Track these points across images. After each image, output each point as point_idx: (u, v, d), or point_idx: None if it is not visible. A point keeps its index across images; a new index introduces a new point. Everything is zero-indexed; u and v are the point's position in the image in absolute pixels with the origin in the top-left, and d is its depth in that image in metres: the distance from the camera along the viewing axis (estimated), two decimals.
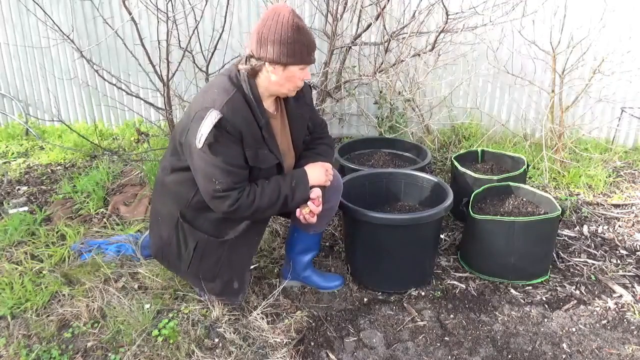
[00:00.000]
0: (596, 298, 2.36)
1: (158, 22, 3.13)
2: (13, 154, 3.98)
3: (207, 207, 1.94)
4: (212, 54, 3.41)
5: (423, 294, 2.37)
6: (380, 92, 3.92)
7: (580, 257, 2.67)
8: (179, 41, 3.25)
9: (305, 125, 2.16)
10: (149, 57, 3.21)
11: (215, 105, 1.80)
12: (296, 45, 1.79)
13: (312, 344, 2.07)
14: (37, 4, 3.38)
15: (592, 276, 2.52)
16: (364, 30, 3.70)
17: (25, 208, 3.09)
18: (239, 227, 2.04)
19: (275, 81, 1.87)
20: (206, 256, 2.05)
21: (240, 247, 2.09)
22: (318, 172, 2.03)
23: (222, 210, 1.88)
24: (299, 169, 2.03)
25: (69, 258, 2.51)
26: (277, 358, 1.95)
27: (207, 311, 2.15)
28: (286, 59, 1.80)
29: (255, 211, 1.90)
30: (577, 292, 2.40)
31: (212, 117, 1.77)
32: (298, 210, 2.02)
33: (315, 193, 2.01)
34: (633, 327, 2.17)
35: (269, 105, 1.98)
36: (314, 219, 2.02)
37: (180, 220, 2.01)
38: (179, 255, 2.07)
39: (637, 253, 2.72)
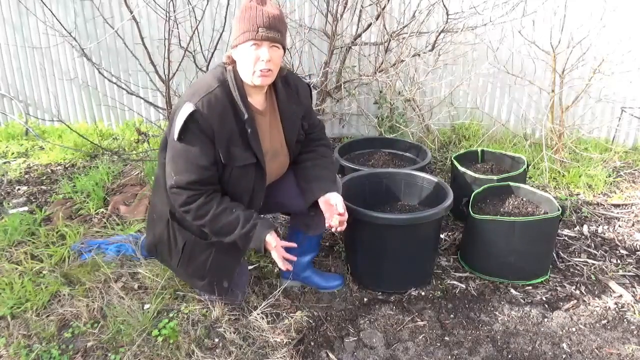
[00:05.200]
0: (596, 298, 2.36)
1: (165, 21, 3.12)
2: (13, 154, 3.98)
3: None
4: (213, 54, 3.41)
5: (423, 294, 2.37)
6: (380, 92, 3.92)
7: (580, 257, 2.67)
8: (180, 40, 3.26)
9: (298, 122, 2.09)
10: (149, 57, 3.21)
11: (192, 99, 1.80)
12: (242, 22, 1.78)
13: (312, 344, 2.06)
14: (43, 2, 3.38)
15: (592, 276, 2.52)
16: (364, 30, 3.70)
17: (25, 208, 3.09)
18: None
19: (239, 66, 1.85)
20: (194, 256, 2.04)
21: (228, 249, 2.03)
22: (275, 255, 1.93)
23: (176, 203, 1.88)
24: (264, 229, 1.89)
25: (69, 258, 2.51)
26: (277, 358, 1.94)
27: (207, 311, 2.15)
28: (235, 39, 1.81)
29: (203, 226, 1.89)
30: (577, 292, 2.40)
31: (185, 110, 1.77)
32: (328, 224, 2.00)
33: (340, 205, 1.98)
34: (633, 327, 2.17)
35: (257, 101, 1.94)
36: (344, 226, 2.00)
37: (170, 220, 2.01)
38: (169, 252, 2.07)
39: (637, 253, 2.71)
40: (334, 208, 1.99)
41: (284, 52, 1.90)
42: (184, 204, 1.85)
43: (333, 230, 2.00)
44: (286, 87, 2.04)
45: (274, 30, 1.79)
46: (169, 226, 2.02)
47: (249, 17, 1.77)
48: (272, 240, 1.90)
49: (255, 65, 1.81)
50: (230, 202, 1.91)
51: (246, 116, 1.86)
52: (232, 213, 1.88)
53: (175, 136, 1.80)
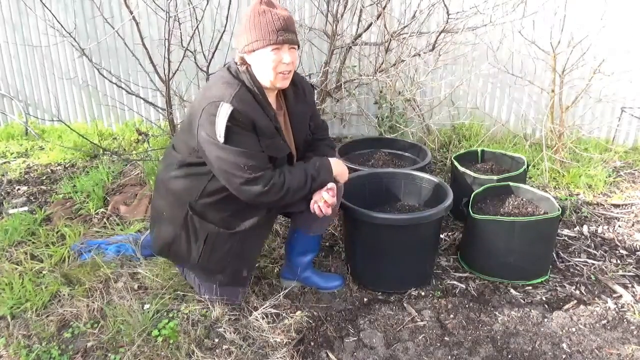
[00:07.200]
0: (596, 298, 2.36)
1: (165, 21, 3.12)
2: (13, 154, 3.99)
3: (217, 200, 1.96)
4: (213, 54, 3.41)
5: (423, 294, 2.37)
6: (381, 92, 3.92)
7: (580, 257, 2.67)
8: (181, 40, 3.26)
9: (306, 123, 2.15)
10: (149, 57, 3.21)
11: (224, 99, 1.79)
12: (257, 28, 1.79)
13: (312, 344, 2.06)
14: (43, 2, 3.37)
15: (592, 276, 2.52)
16: (365, 30, 3.70)
17: (25, 208, 3.09)
18: (250, 220, 2.03)
19: (257, 70, 1.87)
20: (217, 248, 2.04)
21: (250, 238, 2.09)
22: (340, 165, 2.06)
23: (254, 193, 1.85)
24: (321, 157, 2.05)
25: (69, 258, 2.51)
26: (277, 358, 1.95)
27: (207, 311, 2.15)
28: (250, 44, 1.81)
29: (287, 193, 1.89)
30: (577, 292, 2.40)
31: (224, 111, 1.77)
32: (312, 201, 2.01)
33: (331, 184, 2.01)
34: (633, 327, 2.17)
35: (271, 101, 1.98)
36: (329, 210, 2.00)
37: (189, 214, 2.00)
38: (188, 249, 2.06)
39: (637, 253, 2.71)
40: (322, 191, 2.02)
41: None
42: (266, 184, 1.84)
43: (314, 207, 2.01)
44: (293, 87, 2.06)
45: (291, 32, 1.83)
46: (187, 222, 2.01)
47: (265, 22, 1.78)
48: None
49: (277, 69, 1.84)
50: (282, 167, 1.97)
51: (272, 112, 1.91)
52: (295, 167, 1.98)
53: (222, 138, 1.78)
